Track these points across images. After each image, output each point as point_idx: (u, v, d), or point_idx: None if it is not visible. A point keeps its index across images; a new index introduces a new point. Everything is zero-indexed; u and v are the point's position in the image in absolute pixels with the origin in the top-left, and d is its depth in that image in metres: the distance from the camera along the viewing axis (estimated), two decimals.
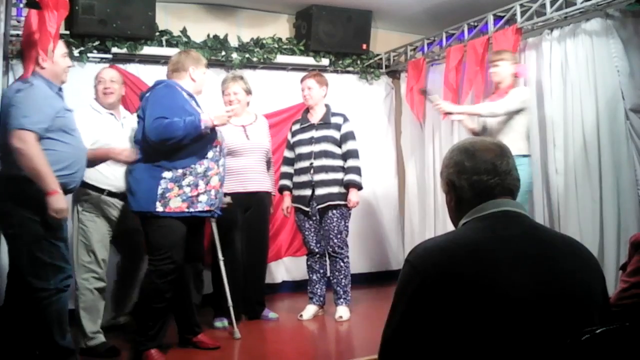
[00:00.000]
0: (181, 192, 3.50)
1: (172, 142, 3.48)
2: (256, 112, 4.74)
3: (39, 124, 2.98)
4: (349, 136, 4.59)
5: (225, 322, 4.34)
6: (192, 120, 3.52)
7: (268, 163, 4.67)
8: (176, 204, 3.50)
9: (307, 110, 4.72)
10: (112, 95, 4.02)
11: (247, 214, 4.51)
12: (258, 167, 4.52)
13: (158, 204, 3.47)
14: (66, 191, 3.13)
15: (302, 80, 4.69)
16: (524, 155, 4.12)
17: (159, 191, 3.48)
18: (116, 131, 3.96)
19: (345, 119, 4.63)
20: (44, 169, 2.96)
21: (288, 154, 4.73)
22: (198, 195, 3.57)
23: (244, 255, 4.54)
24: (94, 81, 4.11)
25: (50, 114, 3.05)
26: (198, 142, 3.57)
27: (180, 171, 3.52)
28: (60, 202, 3.00)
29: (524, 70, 4.46)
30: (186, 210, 3.53)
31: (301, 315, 4.58)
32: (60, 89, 3.24)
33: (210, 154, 3.66)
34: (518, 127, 4.19)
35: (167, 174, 3.50)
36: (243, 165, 4.44)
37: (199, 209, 3.58)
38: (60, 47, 3.24)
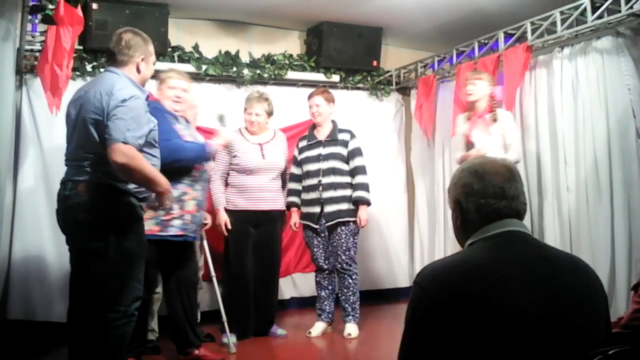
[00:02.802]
0: (155, 215, 3.47)
1: (178, 165, 3.54)
2: (275, 128, 4.75)
3: (140, 139, 2.79)
4: (356, 152, 4.60)
5: (234, 338, 4.33)
6: (203, 146, 3.65)
7: (284, 179, 4.68)
8: (148, 227, 3.36)
9: (314, 127, 4.72)
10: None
11: (258, 231, 4.52)
12: (272, 186, 4.52)
13: None
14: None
15: (309, 97, 4.69)
16: None
17: None
18: None
19: (352, 136, 4.64)
20: (154, 173, 2.82)
21: (295, 170, 4.74)
22: (172, 219, 3.58)
23: (255, 273, 4.55)
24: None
25: (147, 129, 2.89)
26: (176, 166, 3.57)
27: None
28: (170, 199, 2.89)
29: (500, 93, 4.42)
30: (158, 233, 3.52)
31: (310, 332, 4.56)
32: (147, 97, 3.04)
33: (186, 179, 3.70)
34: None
35: None
36: (256, 183, 4.45)
37: (171, 233, 3.59)
38: (154, 55, 3.12)
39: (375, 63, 5.96)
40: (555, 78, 4.53)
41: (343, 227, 4.51)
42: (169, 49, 5.20)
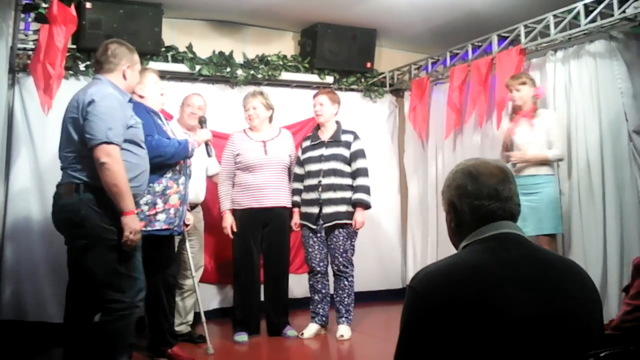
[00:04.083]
0: (139, 211, 3.45)
1: (159, 161, 3.56)
2: (280, 127, 4.75)
3: (120, 136, 2.94)
4: (359, 154, 4.59)
5: (245, 337, 4.37)
6: (183, 142, 3.69)
7: (290, 176, 4.68)
8: None
9: (318, 127, 4.72)
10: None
11: (265, 230, 4.53)
12: (275, 182, 4.52)
13: None
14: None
15: (314, 96, 4.71)
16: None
17: None
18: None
19: (356, 137, 4.63)
20: (126, 187, 2.90)
21: (298, 170, 4.72)
22: (156, 214, 3.61)
23: (266, 272, 4.58)
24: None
25: (125, 125, 3.01)
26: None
27: None
28: (136, 222, 2.95)
29: (543, 90, 4.47)
30: (143, 228, 3.48)
31: (302, 334, 4.55)
32: (130, 100, 3.19)
33: (169, 173, 3.72)
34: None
35: None
36: (259, 181, 4.46)
37: (157, 227, 3.62)
38: (139, 64, 3.25)
39: (369, 64, 5.97)
40: (549, 81, 4.54)
41: (341, 229, 4.50)
42: (163, 49, 5.18)
